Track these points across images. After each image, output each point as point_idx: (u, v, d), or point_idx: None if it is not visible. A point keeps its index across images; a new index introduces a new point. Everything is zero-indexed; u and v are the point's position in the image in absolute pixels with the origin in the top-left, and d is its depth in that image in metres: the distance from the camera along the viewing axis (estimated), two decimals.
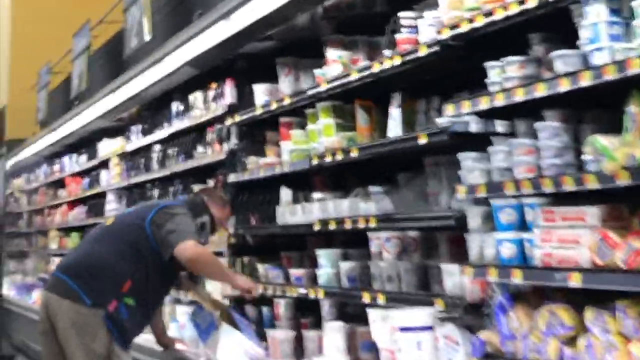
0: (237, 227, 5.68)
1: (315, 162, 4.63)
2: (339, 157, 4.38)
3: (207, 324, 4.96)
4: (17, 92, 13.40)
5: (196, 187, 6.52)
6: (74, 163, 10.92)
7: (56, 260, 11.44)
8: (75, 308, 4.43)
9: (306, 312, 5.42)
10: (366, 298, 4.06)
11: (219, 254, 6.03)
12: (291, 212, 4.90)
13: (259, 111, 5.43)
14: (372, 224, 4.02)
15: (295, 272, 4.97)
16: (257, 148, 5.74)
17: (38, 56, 11.80)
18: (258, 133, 5.82)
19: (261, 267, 5.46)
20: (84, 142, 10.53)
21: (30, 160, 13.01)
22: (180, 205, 4.78)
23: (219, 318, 4.87)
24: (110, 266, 4.53)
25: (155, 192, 7.55)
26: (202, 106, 6.48)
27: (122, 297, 4.48)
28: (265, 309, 5.67)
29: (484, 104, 3.31)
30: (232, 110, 5.90)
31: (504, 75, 3.29)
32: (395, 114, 4.11)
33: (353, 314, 5.29)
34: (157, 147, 7.57)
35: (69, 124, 9.83)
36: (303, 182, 5.26)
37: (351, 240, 4.95)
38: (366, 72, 4.22)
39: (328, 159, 4.49)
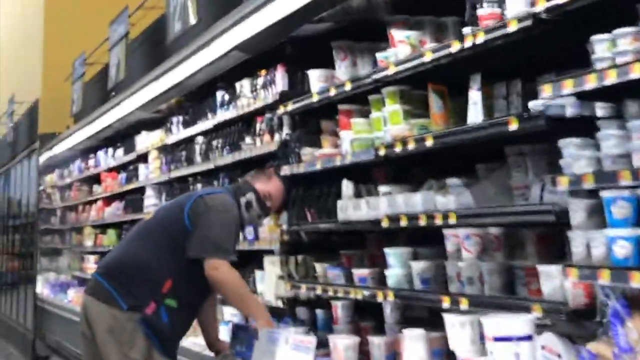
0: (291, 223, 5.33)
1: (381, 152, 4.27)
2: (411, 146, 4.01)
3: (247, 343, 4.53)
4: (51, 84, 13.14)
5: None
6: (109, 157, 10.64)
7: (91, 258, 11.22)
8: (112, 312, 4.14)
9: (364, 315, 5.10)
10: (445, 302, 3.69)
11: (269, 252, 5.72)
12: (354, 207, 4.54)
13: (315, 98, 5.08)
14: (452, 220, 3.65)
15: (359, 273, 4.61)
16: (312, 138, 5.39)
17: (72, 47, 11.54)
18: (312, 122, 5.48)
19: (319, 267, 5.12)
20: (121, 136, 10.26)
21: (63, 156, 12.75)
22: (221, 192, 4.47)
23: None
24: (148, 265, 4.23)
25: (198, 187, 7.23)
26: (250, 94, 6.15)
27: (163, 298, 4.18)
28: (319, 312, 5.34)
29: (590, 83, 2.93)
30: (283, 98, 5.56)
31: (616, 50, 2.91)
32: (476, 97, 3.74)
33: (416, 318, 4.97)
34: (200, 139, 7.25)
35: (105, 116, 9.54)
36: (362, 174, 4.92)
37: (416, 238, 4.60)
38: (442, 53, 3.84)
39: (397, 148, 4.13)
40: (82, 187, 12.24)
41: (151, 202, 8.70)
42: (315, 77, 5.25)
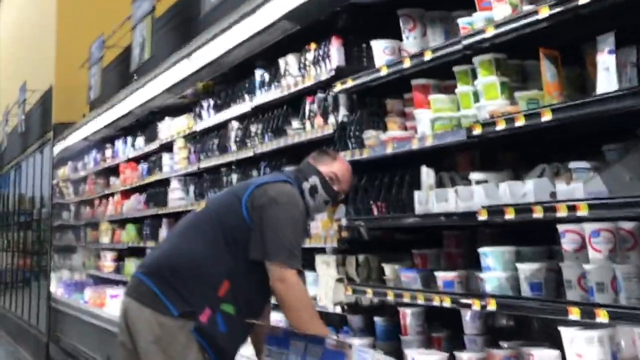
0: (352, 218, 4.65)
1: (476, 131, 3.58)
2: (519, 123, 3.32)
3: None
4: (65, 71, 12.45)
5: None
6: (129, 147, 9.97)
7: (108, 256, 10.56)
8: (159, 319, 3.47)
9: (432, 323, 4.45)
10: (573, 314, 3.00)
11: (321, 250, 5.05)
12: (439, 198, 3.86)
13: (384, 72, 4.40)
14: (582, 212, 2.95)
15: (444, 276, 3.93)
16: (374, 120, 4.73)
17: (87, 31, 10.86)
18: (373, 102, 4.81)
19: (389, 269, 4.44)
20: (141, 124, 9.60)
21: (77, 147, 12.10)
22: (282, 180, 3.78)
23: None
24: (202, 264, 3.56)
25: (234, 177, 6.56)
26: (297, 72, 5.48)
27: (219, 303, 3.51)
28: (379, 320, 4.68)
29: None
30: (340, 74, 4.89)
31: None
32: (608, 61, 3.05)
33: (501, 328, 4.31)
34: (235, 125, 6.58)
35: (126, 101, 8.85)
36: (439, 160, 4.26)
37: (503, 235, 3.94)
38: (562, 8, 3.15)
39: (498, 126, 3.44)
40: (97, 180, 11.60)
41: (176, 195, 8.05)
42: (380, 49, 4.60)
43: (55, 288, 12.08)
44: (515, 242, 3.71)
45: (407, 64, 4.19)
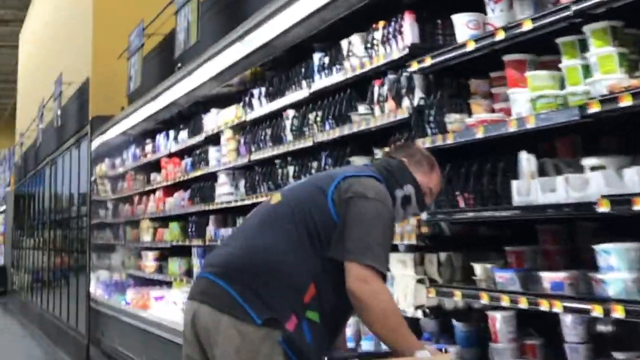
0: (435, 211, 4.20)
1: (593, 109, 3.12)
2: None
3: None
4: (102, 62, 12.08)
5: (355, 159, 5.14)
6: (170, 141, 9.58)
7: (150, 255, 10.19)
8: (240, 328, 3.02)
9: (523, 328, 4.02)
10: None
11: (394, 247, 4.61)
12: (544, 188, 3.40)
13: (470, 47, 3.96)
14: None
15: (552, 277, 3.48)
16: (455, 103, 4.29)
17: (126, 19, 10.46)
18: (452, 82, 4.38)
19: (480, 268, 4.00)
20: (183, 116, 9.22)
21: (114, 143, 11.74)
22: (370, 176, 3.34)
23: None
24: (285, 265, 3.11)
25: (289, 170, 6.15)
26: (362, 53, 5.04)
27: (304, 310, 3.07)
28: (459, 325, 4.26)
29: None
30: (414, 53, 4.45)
31: None
32: None
33: (602, 335, 3.85)
34: (291, 113, 6.16)
35: (170, 91, 8.46)
36: (534, 146, 3.81)
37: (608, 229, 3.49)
38: None
39: (623, 102, 2.98)
40: (137, 176, 11.23)
41: (224, 190, 7.64)
42: (463, 23, 4.18)
43: (94, 288, 11.74)
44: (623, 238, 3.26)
45: (500, 36, 3.74)
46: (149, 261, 10.20)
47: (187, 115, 9.05)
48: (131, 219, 11.19)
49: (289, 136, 6.13)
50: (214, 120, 7.96)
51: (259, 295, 3.04)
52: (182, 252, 9.05)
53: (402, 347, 3.10)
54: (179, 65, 8.16)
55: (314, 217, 3.15)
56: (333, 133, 5.38)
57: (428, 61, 4.28)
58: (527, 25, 3.56)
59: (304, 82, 5.91)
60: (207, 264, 3.34)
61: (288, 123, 6.16)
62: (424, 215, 4.24)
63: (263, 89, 6.72)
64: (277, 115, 6.42)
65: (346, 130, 5.21)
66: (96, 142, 11.96)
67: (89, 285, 11.67)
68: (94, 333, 11.26)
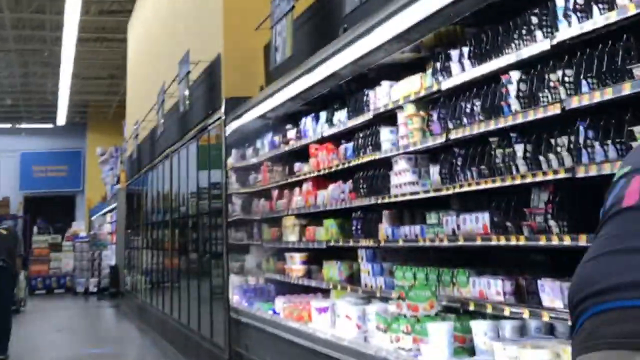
0: None
1: None
2: None
3: None
4: (233, 38, 10.94)
5: None
6: (321, 124, 8.37)
7: (297, 257, 8.98)
8: None
9: None
10: None
11: None
12: None
13: None
14: None
15: None
16: None
17: None
18: None
19: None
20: (336, 94, 7.99)
21: (247, 128, 10.59)
22: None
23: None
24: None
25: (517, 148, 4.83)
26: None
27: None
28: None
29: None
30: None
31: None
32: None
33: None
34: (515, 76, 4.85)
35: (332, 60, 7.22)
36: None
37: None
38: None
39: None
40: (275, 167, 10.05)
41: (405, 179, 6.39)
42: None
43: (231, 295, 10.62)
44: None
45: None
46: (296, 264, 9.01)
47: (342, 93, 7.83)
48: (269, 216, 10.03)
49: (515, 104, 4.81)
50: (386, 94, 6.71)
51: None
52: (341, 254, 7.83)
53: None
54: (345, 26, 6.91)
55: None
56: (595, 96, 4.04)
57: None
58: None
59: (538, 33, 4.59)
60: (629, 284, 1.94)
61: (511, 88, 4.85)
62: None
63: (465, 49, 5.43)
64: (492, 79, 5.11)
65: (620, 90, 3.86)
66: (230, 128, 10.81)
67: (227, 291, 10.52)
68: (234, 346, 10.14)
